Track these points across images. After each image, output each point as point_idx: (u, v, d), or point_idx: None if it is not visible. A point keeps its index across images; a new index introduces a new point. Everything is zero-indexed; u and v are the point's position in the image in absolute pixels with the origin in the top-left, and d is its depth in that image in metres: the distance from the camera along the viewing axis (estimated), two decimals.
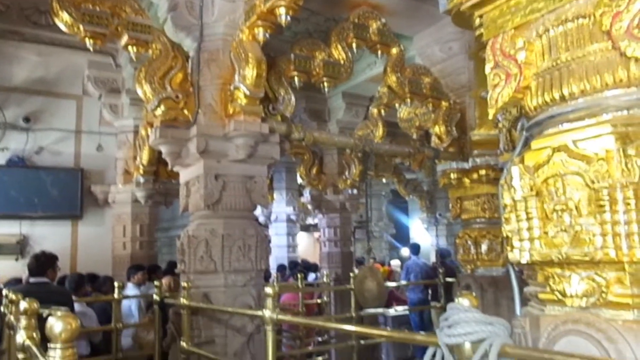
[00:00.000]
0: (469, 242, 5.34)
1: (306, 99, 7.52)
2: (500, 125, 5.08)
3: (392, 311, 6.87)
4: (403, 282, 8.45)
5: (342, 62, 4.66)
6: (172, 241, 7.57)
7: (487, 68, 1.77)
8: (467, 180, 5.28)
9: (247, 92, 3.93)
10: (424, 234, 13.58)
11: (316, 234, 12.40)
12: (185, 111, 4.07)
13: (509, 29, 1.72)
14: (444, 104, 5.39)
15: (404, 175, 9.72)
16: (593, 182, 1.39)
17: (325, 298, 6.75)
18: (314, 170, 7.30)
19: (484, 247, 5.20)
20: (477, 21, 1.86)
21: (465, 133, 5.43)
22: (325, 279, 6.63)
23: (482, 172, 5.13)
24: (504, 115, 4.57)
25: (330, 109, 7.95)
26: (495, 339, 1.49)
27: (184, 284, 3.87)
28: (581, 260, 1.41)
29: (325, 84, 4.66)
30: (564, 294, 1.47)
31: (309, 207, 7.84)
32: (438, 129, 5.49)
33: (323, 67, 4.55)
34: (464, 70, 5.44)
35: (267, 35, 3.94)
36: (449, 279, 6.36)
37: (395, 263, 10.75)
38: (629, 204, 1.34)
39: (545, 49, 1.64)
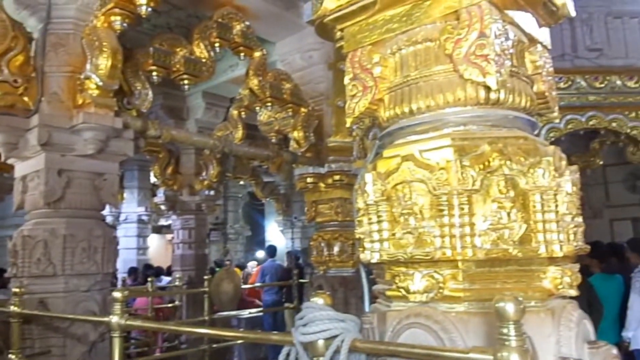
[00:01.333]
0: (322, 244, 5.56)
1: (164, 96, 7.24)
2: (354, 133, 5.40)
3: (247, 313, 6.88)
4: (258, 284, 8.51)
5: (203, 60, 4.58)
6: (3, 242, 6.75)
7: (346, 79, 1.87)
8: (322, 185, 5.49)
9: (100, 83, 3.67)
10: (280, 236, 13.81)
11: (169, 236, 11.94)
12: (26, 98, 3.68)
13: (367, 44, 1.84)
14: (303, 110, 5.55)
15: (261, 178, 9.79)
16: (435, 188, 1.55)
17: (177, 302, 6.54)
18: (170, 170, 7.03)
19: (336, 249, 5.45)
20: (338, 34, 1.96)
21: (322, 139, 5.65)
22: (177, 282, 6.43)
23: (337, 177, 5.39)
24: (358, 125, 4.86)
25: (189, 108, 7.73)
26: (347, 335, 1.59)
27: (15, 289, 3.48)
28: (423, 259, 1.56)
29: (186, 81, 4.54)
30: (408, 291, 1.61)
31: (163, 207, 7.53)
32: (297, 134, 5.64)
33: (184, 64, 4.43)
34: (322, 79, 5.67)
35: (125, 24, 3.72)
36: (302, 280, 6.55)
37: (251, 265, 10.79)
38: (463, 208, 1.51)
39: (398, 66, 1.78)
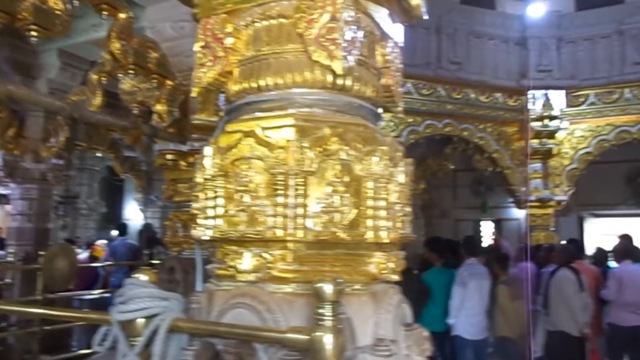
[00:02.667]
0: (178, 225, 5.35)
1: (11, 48, 6.44)
2: (221, 113, 5.25)
3: (91, 294, 6.42)
4: (107, 263, 7.99)
5: (57, 12, 4.11)
6: None
7: (196, 46, 1.78)
8: (183, 163, 5.27)
9: None
10: (138, 214, 13.12)
11: (8, 207, 10.74)
12: None
13: (221, 12, 1.76)
14: (169, 83, 5.26)
15: (122, 152, 9.18)
16: (272, 167, 1.52)
17: (8, 279, 5.90)
18: (11, 132, 6.27)
19: (192, 230, 5.27)
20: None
21: (187, 116, 5.41)
22: (11, 258, 5.80)
23: (199, 156, 5.20)
24: (225, 104, 4.69)
25: (41, 65, 6.97)
26: (168, 314, 1.50)
27: None
28: (254, 238, 1.53)
29: (34, 33, 4.04)
30: (237, 270, 1.57)
31: (0, 174, 6.73)
32: (160, 108, 5.33)
33: (33, 12, 3.94)
34: (192, 53, 5.42)
35: None
36: (154, 261, 6.27)
37: (100, 243, 10.08)
38: (298, 189, 1.50)
39: (251, 40, 1.73)
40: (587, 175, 9.14)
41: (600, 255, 6.40)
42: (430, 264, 5.75)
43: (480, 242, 11.07)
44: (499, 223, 11.94)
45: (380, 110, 2.00)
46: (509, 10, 9.20)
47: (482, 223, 12.23)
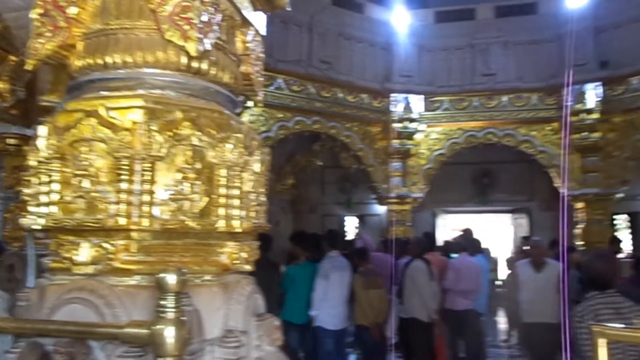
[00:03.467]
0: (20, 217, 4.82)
1: None
2: None
3: None
4: None
5: None
6: None
7: (34, 13, 1.59)
8: (27, 149, 4.76)
9: None
10: None
11: None
12: None
13: None
14: (12, 58, 4.71)
15: None
16: (116, 151, 1.41)
17: None
18: None
19: (21, 219, 4.77)
20: None
21: (33, 96, 4.89)
22: None
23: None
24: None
25: None
26: None
27: None
28: (93, 227, 1.41)
29: None
30: (73, 262, 1.43)
31: None
32: (1, 85, 4.76)
33: None
34: None
35: None
36: None
37: None
38: (144, 175, 1.41)
39: (98, 11, 1.59)
40: (440, 175, 9.93)
41: (448, 248, 7.00)
42: (297, 257, 5.84)
43: (344, 235, 11.54)
44: (362, 218, 12.53)
45: (240, 98, 1.96)
46: (376, 16, 9.66)
47: (347, 218, 12.74)
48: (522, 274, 5.63)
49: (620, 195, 9.12)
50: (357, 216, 12.62)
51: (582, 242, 8.77)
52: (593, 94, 8.55)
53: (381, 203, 9.97)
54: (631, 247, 11.57)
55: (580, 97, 8.57)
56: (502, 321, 9.13)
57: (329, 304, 5.34)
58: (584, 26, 8.39)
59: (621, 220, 11.93)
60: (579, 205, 9.07)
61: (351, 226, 12.72)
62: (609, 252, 5.78)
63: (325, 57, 8.85)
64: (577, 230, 9.04)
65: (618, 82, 8.52)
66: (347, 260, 5.70)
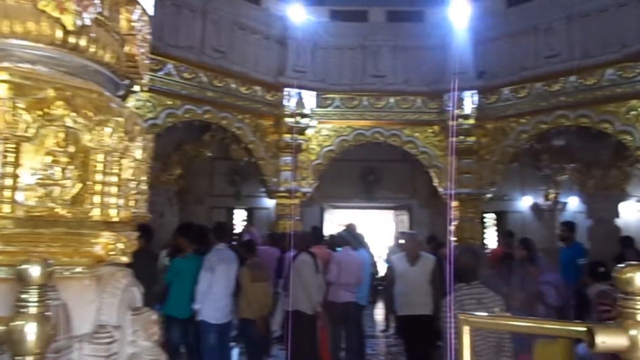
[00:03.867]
0: None
1: None
2: None
3: None
4: None
5: None
6: None
7: None
8: None
9: None
10: None
11: None
12: None
13: None
14: None
15: None
16: None
17: None
18: None
19: None
20: None
21: None
22: None
23: None
24: None
25: None
26: None
27: None
28: None
29: None
30: None
31: None
32: None
33: None
34: None
35: None
36: None
37: None
38: (7, 157, 1.28)
39: None
40: (329, 171, 10.17)
41: (332, 242, 7.19)
42: (182, 250, 5.66)
43: (232, 228, 11.42)
44: (251, 211, 12.47)
45: (125, 81, 1.85)
46: (272, 9, 9.63)
47: (235, 211, 12.61)
48: (397, 268, 5.83)
49: (490, 195, 9.97)
50: (246, 209, 12.54)
51: (455, 238, 9.46)
52: (470, 101, 9.25)
53: (270, 197, 10.00)
54: (496, 243, 12.71)
55: (459, 103, 9.23)
56: (381, 313, 9.61)
57: (213, 297, 5.24)
58: (465, 37, 9.04)
59: (489, 219, 13.07)
60: (454, 203, 9.77)
61: (240, 219, 12.61)
62: (476, 247, 6.25)
63: (219, 45, 8.67)
64: (451, 227, 9.75)
65: (492, 91, 9.29)
66: (235, 253, 5.64)
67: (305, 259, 5.65)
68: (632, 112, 7.86)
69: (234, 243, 7.04)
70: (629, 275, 1.03)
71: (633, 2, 7.74)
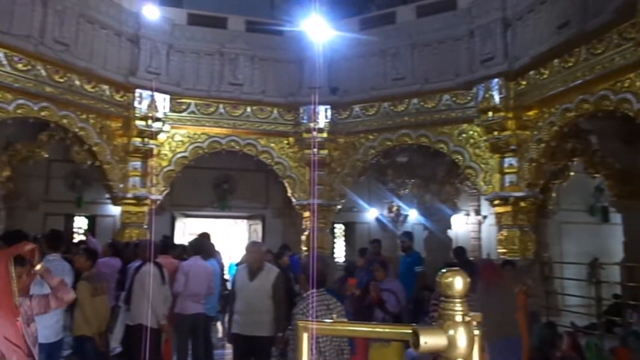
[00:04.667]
0: None
1: None
2: None
3: None
4: None
5: None
6: None
7: None
8: None
9: None
10: None
11: None
12: None
13: None
14: None
15: None
16: None
17: None
18: None
19: None
20: None
21: None
22: None
23: None
24: None
25: None
26: None
27: None
28: None
29: None
30: None
31: None
32: None
33: None
34: None
35: None
36: None
37: None
38: None
39: None
40: (181, 178, 9.83)
41: (182, 251, 6.92)
42: None
43: (68, 237, 10.43)
44: (93, 219, 11.54)
45: None
46: (125, 5, 9.08)
47: (76, 218, 11.56)
48: (237, 281, 5.17)
49: (339, 206, 10.42)
50: (88, 217, 11.57)
51: (305, 248, 9.71)
52: (324, 115, 9.61)
53: (116, 203, 9.34)
54: (344, 253, 13.33)
55: (313, 117, 9.54)
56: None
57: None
58: (321, 55, 9.40)
59: (339, 229, 13.65)
60: (307, 214, 10.04)
61: (81, 227, 11.59)
62: (326, 255, 6.41)
63: (62, 37, 7.94)
64: (303, 237, 10.00)
65: (344, 107, 9.77)
66: (69, 264, 5.13)
67: (150, 270, 5.35)
68: (463, 135, 8.80)
69: (70, 254, 6.43)
70: (449, 279, 1.11)
71: (466, 37, 8.70)
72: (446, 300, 1.10)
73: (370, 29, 9.75)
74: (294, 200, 10.09)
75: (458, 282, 1.11)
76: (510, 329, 4.74)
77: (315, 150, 9.57)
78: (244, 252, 5.87)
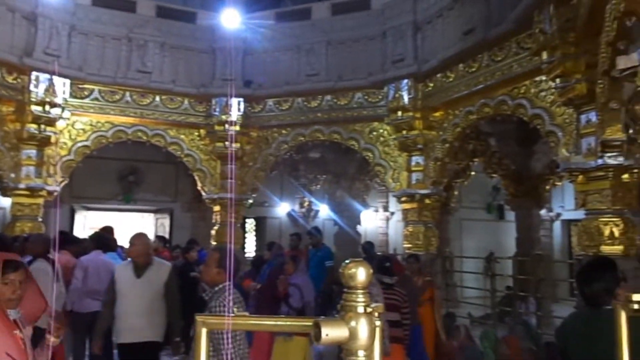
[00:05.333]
0: None
1: None
2: None
3: None
4: None
5: None
6: None
7: None
8: None
9: None
10: None
11: None
12: None
13: None
14: None
15: None
16: None
17: None
18: None
19: None
20: None
21: None
22: None
23: None
24: None
25: None
26: None
27: None
28: None
29: None
30: None
31: None
32: None
33: None
34: None
35: None
36: None
37: None
38: None
39: None
40: (82, 168, 9.25)
41: (80, 246, 6.49)
42: None
43: None
44: None
45: None
46: None
47: None
48: (119, 280, 4.45)
49: (251, 201, 10.30)
50: None
51: (215, 242, 9.51)
52: (237, 108, 9.44)
53: (5, 194, 8.58)
54: (254, 248, 13.23)
55: (226, 109, 9.33)
56: None
57: None
58: (236, 46, 9.21)
59: (250, 224, 13.53)
60: (217, 208, 9.83)
61: None
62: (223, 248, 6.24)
63: None
64: (213, 232, 9.77)
65: (257, 101, 9.65)
66: None
67: (42, 267, 4.95)
68: (374, 133, 9.02)
69: None
70: (352, 270, 1.10)
71: (379, 37, 8.91)
72: (349, 291, 1.09)
73: (285, 22, 9.71)
74: (204, 194, 9.83)
75: (360, 273, 1.09)
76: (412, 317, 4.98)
77: (228, 143, 9.37)
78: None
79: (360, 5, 9.35)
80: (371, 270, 1.09)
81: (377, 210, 13.98)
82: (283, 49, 9.59)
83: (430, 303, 6.13)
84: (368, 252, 8.18)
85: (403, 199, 8.71)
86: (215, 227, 9.77)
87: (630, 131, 5.05)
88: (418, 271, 6.29)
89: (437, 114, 8.30)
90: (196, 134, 9.71)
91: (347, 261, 1.13)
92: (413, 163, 8.61)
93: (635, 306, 1.37)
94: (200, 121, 9.61)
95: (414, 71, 8.26)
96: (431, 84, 8.23)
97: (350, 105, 9.15)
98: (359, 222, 11.80)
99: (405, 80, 8.33)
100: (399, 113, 8.40)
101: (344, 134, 9.22)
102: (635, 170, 5.26)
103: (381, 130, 8.95)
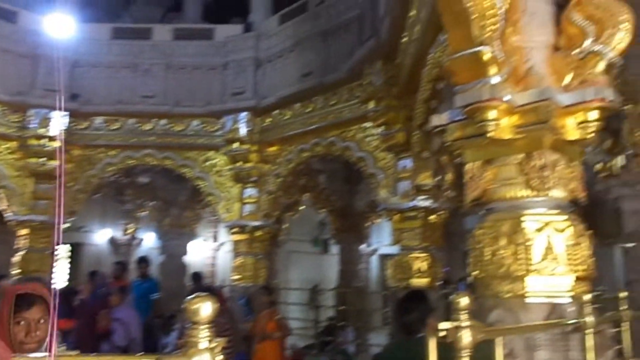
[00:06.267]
0: None
1: None
2: None
3: None
4: None
5: None
6: None
7: None
8: None
9: None
10: None
11: None
12: None
13: None
14: None
15: None
16: None
17: None
18: None
19: None
20: None
21: None
22: None
23: None
24: None
25: None
26: None
27: None
28: None
29: None
30: None
31: None
32: None
33: None
34: None
35: None
36: None
37: None
38: None
39: None
40: None
41: None
42: None
43: None
44: None
45: None
46: None
47: None
48: None
49: (68, 224, 9.35)
50: None
51: (19, 270, 8.42)
52: (59, 122, 8.60)
53: None
54: (68, 277, 11.97)
55: (45, 122, 8.46)
56: None
57: None
58: (65, 55, 8.45)
59: (62, 250, 12.23)
60: (24, 232, 8.74)
61: None
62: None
63: None
64: (17, 258, 8.63)
65: (84, 117, 8.91)
66: None
67: None
68: (209, 162, 8.93)
69: None
70: (197, 305, 1.09)
71: (220, 68, 8.95)
72: (193, 327, 1.08)
73: (123, 39, 9.24)
74: (9, 214, 8.68)
75: (205, 308, 1.09)
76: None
77: (45, 160, 8.45)
78: None
79: (203, 34, 9.34)
80: (217, 304, 1.10)
81: (206, 240, 13.71)
82: (118, 66, 9.07)
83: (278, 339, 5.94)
84: (197, 283, 7.97)
85: (234, 229, 8.71)
86: (20, 254, 8.65)
87: (438, 178, 5.79)
88: (269, 304, 6.15)
89: (272, 148, 8.55)
90: (5, 146, 8.60)
91: (192, 296, 1.12)
92: (246, 195, 8.70)
93: (442, 333, 1.57)
94: (12, 132, 8.54)
95: (253, 105, 8.43)
96: (268, 119, 8.48)
97: (186, 132, 8.97)
98: (186, 252, 11.45)
99: (244, 113, 8.46)
100: (235, 145, 8.47)
101: (177, 161, 8.97)
102: (441, 212, 6.02)
103: (216, 160, 8.91)
